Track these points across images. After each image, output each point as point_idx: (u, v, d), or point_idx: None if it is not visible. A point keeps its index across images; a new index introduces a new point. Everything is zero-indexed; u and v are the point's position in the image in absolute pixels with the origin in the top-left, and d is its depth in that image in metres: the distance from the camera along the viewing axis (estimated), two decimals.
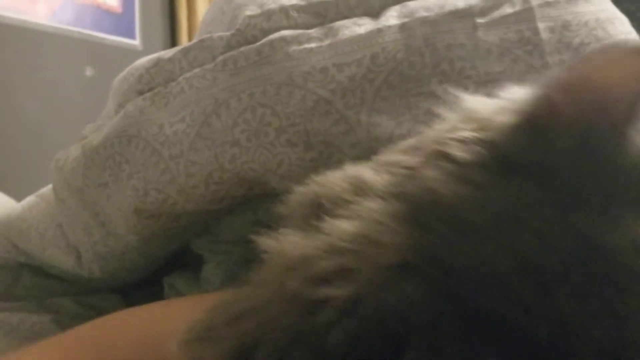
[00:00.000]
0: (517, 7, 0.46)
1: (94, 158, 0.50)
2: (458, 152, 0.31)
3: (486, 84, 0.45)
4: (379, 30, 0.45)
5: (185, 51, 0.50)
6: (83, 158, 0.51)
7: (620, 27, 0.48)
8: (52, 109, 1.93)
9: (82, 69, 2.03)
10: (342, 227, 0.30)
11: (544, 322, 0.27)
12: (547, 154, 0.29)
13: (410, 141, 0.37)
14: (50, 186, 0.58)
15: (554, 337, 0.26)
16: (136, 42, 2.35)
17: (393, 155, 0.36)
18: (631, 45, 0.31)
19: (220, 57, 0.47)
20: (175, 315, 0.43)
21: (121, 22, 2.36)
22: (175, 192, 0.47)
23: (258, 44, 0.46)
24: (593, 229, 0.27)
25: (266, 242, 0.33)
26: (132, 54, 2.06)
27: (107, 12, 2.30)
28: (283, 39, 0.46)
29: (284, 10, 0.47)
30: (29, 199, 0.62)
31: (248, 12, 0.48)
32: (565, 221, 0.27)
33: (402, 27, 0.45)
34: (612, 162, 0.29)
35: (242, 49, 0.46)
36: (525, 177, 0.29)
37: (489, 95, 0.45)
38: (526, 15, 0.46)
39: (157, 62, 0.51)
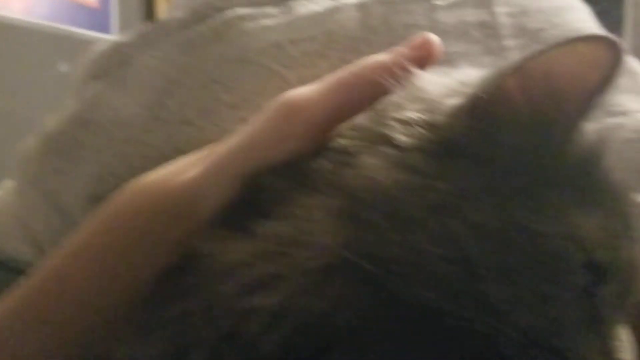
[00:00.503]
0: None
1: (50, 145, 0.49)
2: (400, 134, 0.30)
3: (443, 63, 0.45)
4: (336, 8, 0.45)
5: (143, 33, 0.49)
6: (40, 146, 0.50)
7: (577, 14, 0.48)
8: (26, 104, 1.90)
9: (56, 64, 2.01)
10: (274, 228, 0.29)
11: (472, 308, 0.26)
12: (493, 142, 0.29)
13: (353, 120, 0.35)
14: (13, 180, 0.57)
15: (482, 322, 0.26)
16: (113, 37, 2.32)
17: (335, 138, 0.34)
18: (589, 35, 0.30)
19: (176, 37, 0.46)
20: None
21: (98, 17, 2.33)
22: (130, 176, 0.46)
23: (212, 21, 0.45)
24: (529, 218, 0.27)
25: (205, 243, 0.32)
26: None
27: (83, 7, 2.28)
28: (238, 17, 0.45)
29: None
30: None
31: None
32: (502, 210, 0.27)
33: (360, 6, 0.45)
34: (558, 154, 0.29)
35: (196, 27, 0.46)
36: (468, 164, 0.28)
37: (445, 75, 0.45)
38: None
39: (115, 46, 0.50)
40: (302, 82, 0.43)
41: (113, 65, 0.49)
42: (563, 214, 0.27)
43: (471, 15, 0.46)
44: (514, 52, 0.45)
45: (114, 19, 2.40)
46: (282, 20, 0.45)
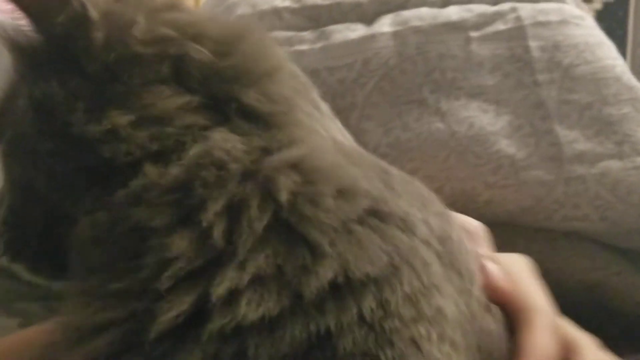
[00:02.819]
0: (510, 25, 0.47)
1: None
2: None
3: (477, 96, 0.45)
4: (372, 36, 0.45)
5: None
6: None
7: (608, 51, 0.49)
8: None
9: None
10: None
11: None
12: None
13: None
14: None
15: None
16: None
17: None
18: None
19: None
20: None
21: None
22: None
23: None
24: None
25: None
26: None
27: None
28: (275, 40, 0.45)
29: (277, 11, 0.46)
30: None
31: (239, 12, 0.47)
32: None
33: (395, 34, 0.45)
34: None
35: None
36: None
37: (480, 109, 0.45)
38: (518, 33, 0.47)
39: None
40: (339, 111, 0.43)
41: None
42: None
43: (504, 48, 0.46)
44: (547, 86, 0.46)
45: None
46: (318, 47, 0.44)
